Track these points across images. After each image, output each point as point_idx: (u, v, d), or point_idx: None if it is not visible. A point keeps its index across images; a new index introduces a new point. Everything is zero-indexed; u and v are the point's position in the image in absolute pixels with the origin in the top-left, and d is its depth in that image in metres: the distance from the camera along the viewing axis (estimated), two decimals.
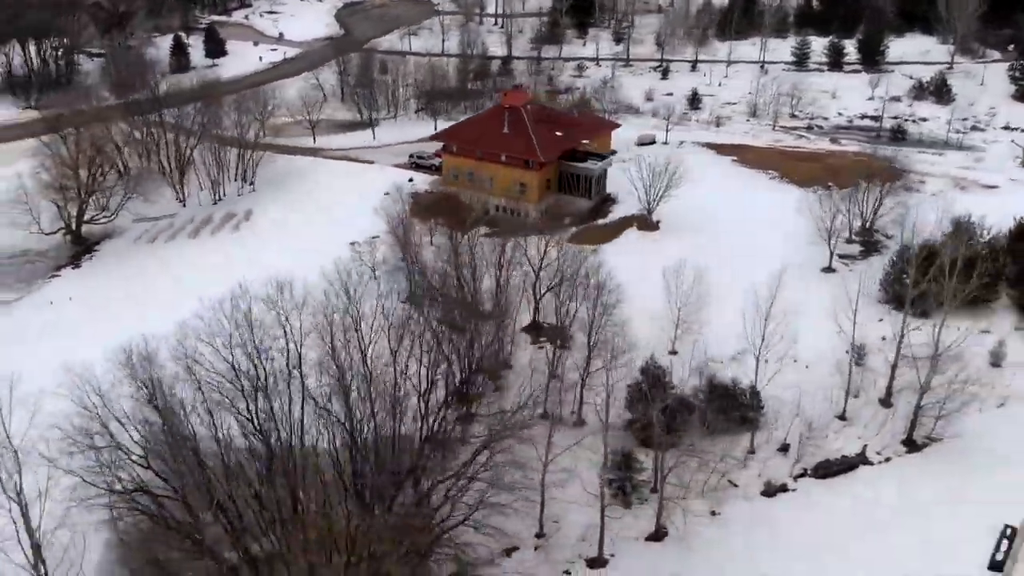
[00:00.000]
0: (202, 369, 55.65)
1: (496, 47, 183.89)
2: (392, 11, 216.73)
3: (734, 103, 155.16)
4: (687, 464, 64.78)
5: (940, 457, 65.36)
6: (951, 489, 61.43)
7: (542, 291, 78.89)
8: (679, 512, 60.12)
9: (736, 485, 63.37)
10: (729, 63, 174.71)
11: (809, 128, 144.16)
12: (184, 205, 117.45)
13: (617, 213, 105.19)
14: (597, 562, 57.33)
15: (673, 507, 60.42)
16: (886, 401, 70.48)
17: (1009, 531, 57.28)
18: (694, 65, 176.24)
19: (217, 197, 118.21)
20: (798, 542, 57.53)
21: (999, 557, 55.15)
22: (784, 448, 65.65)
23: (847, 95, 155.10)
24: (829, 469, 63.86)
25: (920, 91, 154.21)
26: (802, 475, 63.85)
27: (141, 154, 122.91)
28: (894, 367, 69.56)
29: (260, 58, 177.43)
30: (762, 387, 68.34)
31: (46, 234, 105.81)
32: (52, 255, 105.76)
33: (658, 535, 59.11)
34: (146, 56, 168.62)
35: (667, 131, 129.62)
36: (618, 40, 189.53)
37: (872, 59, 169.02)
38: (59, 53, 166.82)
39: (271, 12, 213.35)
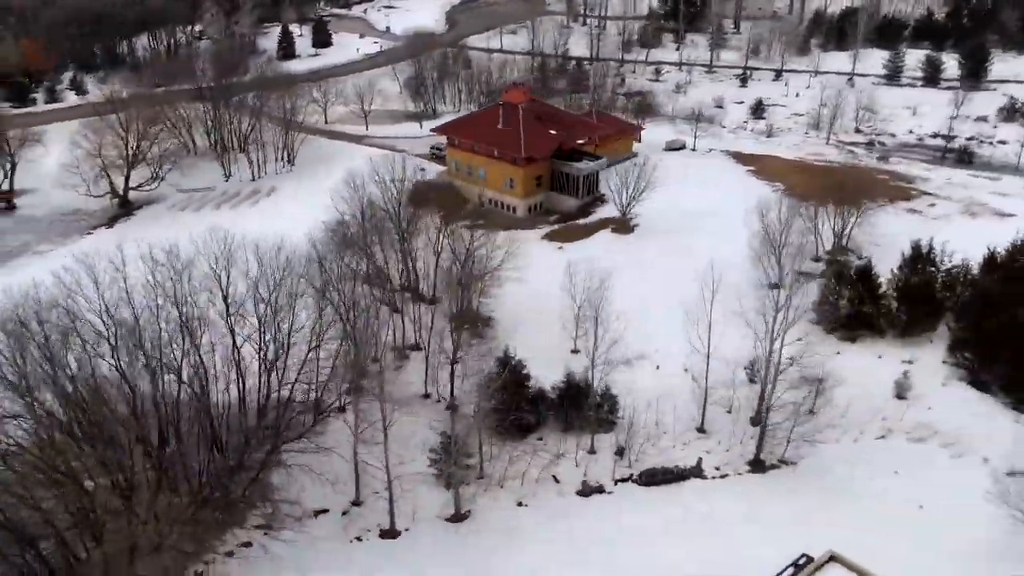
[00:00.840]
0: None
1: (585, 49, 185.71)
2: (502, 9, 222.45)
3: (801, 114, 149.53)
4: (523, 457, 66.47)
5: (780, 480, 63.13)
6: (771, 513, 59.44)
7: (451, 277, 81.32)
8: (488, 498, 61.73)
9: (558, 481, 63.85)
10: (816, 73, 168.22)
11: (869, 144, 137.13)
12: (227, 180, 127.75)
13: (602, 214, 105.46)
14: (388, 533, 59.94)
15: (484, 493, 62.08)
16: (756, 419, 68.36)
17: (803, 559, 54.98)
18: (778, 74, 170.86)
19: (257, 175, 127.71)
20: (581, 540, 57.68)
21: None
22: (620, 452, 65.32)
23: (928, 112, 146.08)
24: (654, 477, 62.98)
25: (1011, 112, 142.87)
26: (626, 480, 63.43)
27: (208, 131, 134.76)
28: (763, 387, 67.43)
29: (357, 49, 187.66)
30: (632, 391, 68.46)
31: (94, 197, 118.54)
32: (98, 215, 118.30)
33: (458, 516, 60.82)
34: (254, 43, 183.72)
35: (695, 137, 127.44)
36: (715, 46, 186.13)
37: (975, 76, 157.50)
38: (174, 40, 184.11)
39: (388, 7, 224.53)
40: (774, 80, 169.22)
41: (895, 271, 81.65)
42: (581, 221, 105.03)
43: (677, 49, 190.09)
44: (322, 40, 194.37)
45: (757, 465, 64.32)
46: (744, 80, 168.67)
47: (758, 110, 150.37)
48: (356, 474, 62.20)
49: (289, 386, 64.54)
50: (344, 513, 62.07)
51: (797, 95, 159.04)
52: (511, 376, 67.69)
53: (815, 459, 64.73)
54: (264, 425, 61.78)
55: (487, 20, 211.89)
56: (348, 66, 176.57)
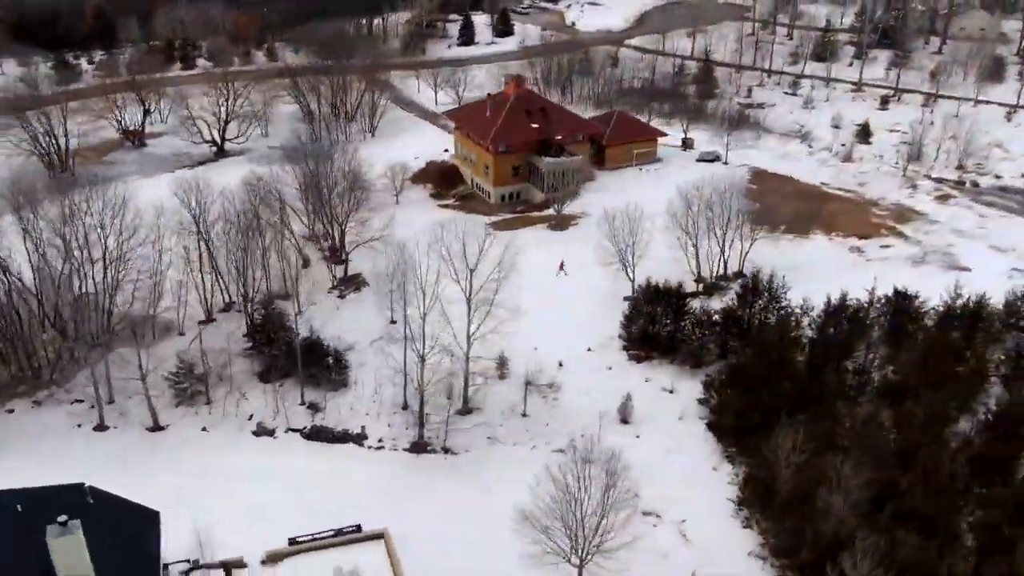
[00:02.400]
0: None
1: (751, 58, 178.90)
2: (701, 12, 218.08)
3: (910, 143, 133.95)
4: (252, 394, 73.68)
5: (429, 463, 64.81)
6: (389, 485, 62.00)
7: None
8: (193, 416, 70.42)
9: (249, 419, 70.17)
10: (977, 102, 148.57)
11: (959, 183, 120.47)
12: (312, 143, 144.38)
13: (568, 209, 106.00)
14: (99, 427, 70.57)
15: (195, 415, 70.76)
16: (464, 410, 69.57)
17: (351, 528, 57.58)
18: (930, 98, 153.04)
19: (338, 139, 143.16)
20: (203, 466, 64.22)
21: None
22: (314, 406, 70.23)
23: None
24: (319, 434, 67.58)
25: None
26: (297, 431, 68.41)
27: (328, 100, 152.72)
28: (466, 377, 68.82)
29: (522, 41, 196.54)
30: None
31: (195, 143, 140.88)
32: (194, 158, 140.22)
33: (156, 427, 69.76)
34: (444, 29, 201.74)
35: (727, 150, 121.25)
36: (896, 65, 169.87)
37: None
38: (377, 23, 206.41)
39: (593, 4, 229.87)
40: (923, 105, 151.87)
41: (731, 301, 76.69)
42: (535, 214, 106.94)
43: (850, 65, 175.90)
44: (503, 30, 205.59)
45: (417, 447, 66.16)
46: (885, 102, 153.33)
47: (864, 134, 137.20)
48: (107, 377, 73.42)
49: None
50: (93, 406, 73.25)
51: (932, 123, 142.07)
52: (270, 325, 75.23)
53: (481, 453, 65.46)
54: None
55: (678, 21, 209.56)
56: (498, 55, 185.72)
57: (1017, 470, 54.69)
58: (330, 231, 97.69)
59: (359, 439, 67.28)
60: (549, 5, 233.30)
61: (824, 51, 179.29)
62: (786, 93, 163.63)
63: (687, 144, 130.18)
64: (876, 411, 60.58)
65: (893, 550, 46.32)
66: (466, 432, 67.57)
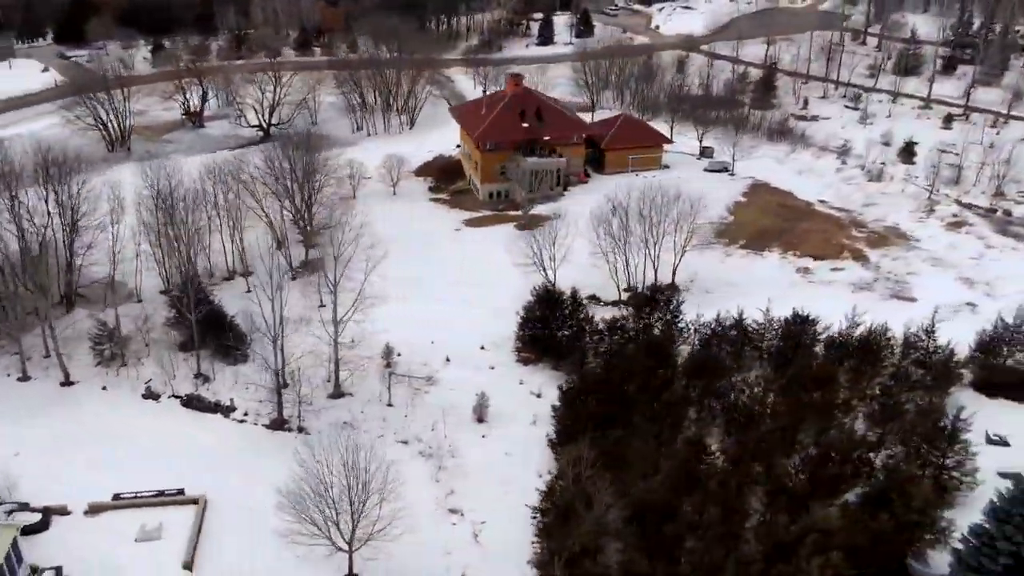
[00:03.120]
0: None
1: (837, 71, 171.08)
2: (794, 20, 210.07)
3: (959, 166, 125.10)
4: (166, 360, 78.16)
5: (279, 440, 67.19)
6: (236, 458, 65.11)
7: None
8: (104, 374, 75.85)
9: (147, 383, 74.65)
10: None
11: (990, 211, 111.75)
12: (352, 132, 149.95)
13: (542, 209, 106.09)
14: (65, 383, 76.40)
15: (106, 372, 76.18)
16: (335, 394, 71.63)
17: (174, 491, 60.88)
18: (999, 119, 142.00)
19: (375, 131, 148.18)
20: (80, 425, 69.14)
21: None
22: (202, 376, 74.06)
23: None
24: (191, 402, 71.42)
25: None
26: (179, 397, 72.42)
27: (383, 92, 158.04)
28: (336, 362, 70.91)
29: (583, 44, 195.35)
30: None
31: (242, 127, 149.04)
32: (239, 140, 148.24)
33: (67, 382, 75.41)
34: (527, 27, 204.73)
35: (733, 161, 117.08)
36: (976, 82, 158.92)
37: None
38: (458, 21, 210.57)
39: (686, 8, 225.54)
40: (991, 126, 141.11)
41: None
42: (512, 212, 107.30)
43: (931, 80, 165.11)
44: (583, 31, 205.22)
45: (275, 423, 68.74)
46: (949, 121, 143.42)
47: (908, 153, 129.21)
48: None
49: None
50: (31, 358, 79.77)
51: (991, 145, 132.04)
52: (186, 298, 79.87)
53: (331, 437, 67.02)
54: None
55: (761, 30, 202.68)
56: (558, 56, 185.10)
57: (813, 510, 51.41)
58: (303, 215, 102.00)
59: (227, 411, 70.47)
60: (641, 8, 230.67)
61: (905, 64, 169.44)
62: (847, 107, 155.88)
63: (705, 153, 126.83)
64: (699, 435, 58.20)
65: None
66: (327, 415, 69.56)
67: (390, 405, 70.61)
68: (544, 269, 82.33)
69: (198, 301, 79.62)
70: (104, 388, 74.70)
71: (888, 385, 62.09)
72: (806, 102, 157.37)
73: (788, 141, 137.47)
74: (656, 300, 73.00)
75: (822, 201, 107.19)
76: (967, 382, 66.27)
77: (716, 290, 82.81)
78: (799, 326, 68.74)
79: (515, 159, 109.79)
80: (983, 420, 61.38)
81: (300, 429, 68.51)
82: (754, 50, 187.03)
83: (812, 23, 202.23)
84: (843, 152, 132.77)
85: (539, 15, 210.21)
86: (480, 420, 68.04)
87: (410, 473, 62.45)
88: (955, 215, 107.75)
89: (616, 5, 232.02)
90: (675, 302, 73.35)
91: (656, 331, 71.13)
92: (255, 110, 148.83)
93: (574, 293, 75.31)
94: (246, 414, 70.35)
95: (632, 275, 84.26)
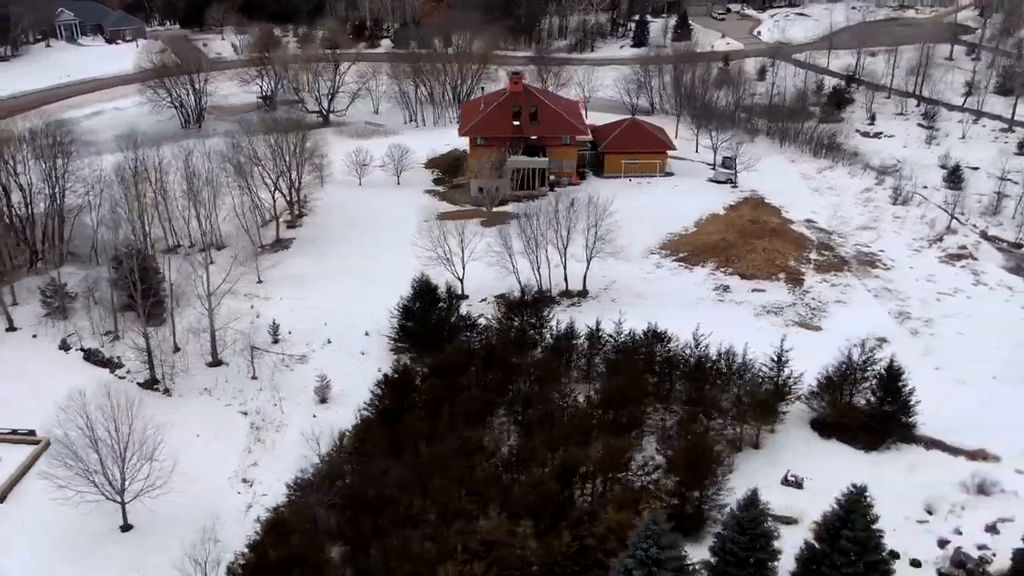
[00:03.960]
0: None
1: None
2: (914, 31, 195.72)
3: (1000, 192, 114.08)
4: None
5: (145, 396, 71.60)
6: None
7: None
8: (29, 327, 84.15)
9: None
10: None
11: (1016, 245, 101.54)
12: (404, 123, 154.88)
13: (508, 208, 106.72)
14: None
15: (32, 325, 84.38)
16: (213, 362, 76.08)
17: (22, 430, 67.25)
18: None
19: (425, 123, 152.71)
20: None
21: None
22: (111, 334, 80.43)
23: None
24: (90, 357, 77.93)
25: None
26: (83, 351, 79.05)
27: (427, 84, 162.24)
28: (212, 333, 75.17)
29: (660, 46, 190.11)
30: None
31: (304, 112, 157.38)
32: (302, 125, 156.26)
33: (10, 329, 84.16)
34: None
35: (736, 173, 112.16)
36: None
37: None
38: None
39: (801, 15, 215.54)
40: None
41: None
42: (484, 208, 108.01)
43: (1014, 101, 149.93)
44: (681, 33, 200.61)
45: (147, 383, 74.09)
46: (1023, 147, 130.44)
47: (954, 179, 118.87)
48: None
49: None
50: None
51: None
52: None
53: (188, 399, 72.11)
54: None
55: (871, 40, 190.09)
56: (630, 59, 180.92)
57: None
58: (293, 195, 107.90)
59: (114, 367, 76.57)
60: (753, 12, 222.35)
61: (1011, 83, 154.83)
62: (919, 125, 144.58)
63: (725, 163, 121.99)
64: (477, 435, 57.96)
65: None
66: (196, 380, 74.10)
67: (254, 378, 74.25)
68: (452, 265, 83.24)
69: (140, 268, 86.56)
70: (35, 336, 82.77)
71: (695, 410, 59.14)
72: (873, 117, 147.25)
73: (832, 156, 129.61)
74: (524, 304, 72.41)
75: (809, 220, 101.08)
76: (808, 419, 61.97)
77: (622, 300, 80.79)
78: (650, 341, 66.45)
79: (503, 157, 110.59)
80: (804, 460, 57.91)
81: (165, 390, 73.53)
82: (852, 60, 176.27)
83: (930, 35, 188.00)
84: (886, 172, 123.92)
85: (636, 17, 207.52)
86: (323, 400, 70.38)
87: (233, 441, 66.37)
88: (963, 247, 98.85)
89: (728, 9, 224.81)
90: (547, 309, 72.47)
91: (512, 333, 70.68)
92: (314, 97, 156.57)
93: (449, 289, 75.99)
94: (128, 371, 76.13)
95: (544, 279, 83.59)
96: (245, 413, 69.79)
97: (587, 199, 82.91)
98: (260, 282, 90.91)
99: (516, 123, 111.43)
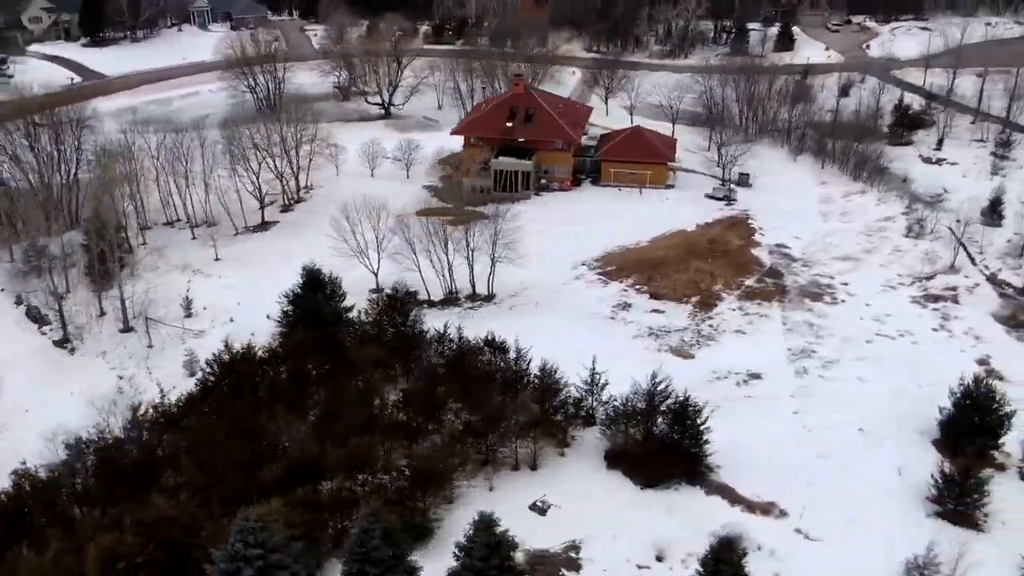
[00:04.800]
0: None
1: None
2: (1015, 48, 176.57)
3: None
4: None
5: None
6: None
7: None
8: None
9: None
10: None
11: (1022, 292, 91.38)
12: (459, 119, 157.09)
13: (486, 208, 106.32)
14: None
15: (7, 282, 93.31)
16: (124, 329, 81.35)
17: None
18: None
19: None
20: None
21: None
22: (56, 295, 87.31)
23: None
24: (28, 314, 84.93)
25: None
26: (28, 307, 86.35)
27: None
28: (122, 300, 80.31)
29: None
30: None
31: (369, 104, 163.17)
32: (363, 115, 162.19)
33: None
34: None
35: (732, 193, 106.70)
36: None
37: None
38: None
39: (924, 28, 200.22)
40: None
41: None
42: (473, 208, 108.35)
43: None
44: (784, 44, 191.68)
45: (59, 341, 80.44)
46: None
47: (994, 212, 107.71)
48: None
49: None
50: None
51: None
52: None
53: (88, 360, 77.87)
54: None
55: (980, 60, 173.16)
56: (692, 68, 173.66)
57: None
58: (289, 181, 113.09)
59: (42, 324, 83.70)
60: (872, 25, 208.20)
61: None
62: (992, 153, 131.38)
63: (742, 181, 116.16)
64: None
65: None
66: (102, 343, 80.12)
67: (150, 347, 79.01)
68: (368, 259, 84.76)
69: (97, 236, 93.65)
70: (2, 290, 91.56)
71: (476, 423, 57.89)
72: (940, 142, 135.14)
73: (872, 180, 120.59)
74: (395, 303, 73.01)
75: (780, 245, 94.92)
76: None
77: (519, 307, 79.71)
78: (492, 351, 65.59)
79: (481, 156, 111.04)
80: (570, 488, 55.82)
81: (72, 350, 79.60)
82: (960, 80, 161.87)
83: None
84: (928, 201, 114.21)
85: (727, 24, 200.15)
86: (192, 375, 73.87)
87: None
88: (951, 288, 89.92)
89: (848, 20, 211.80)
90: (415, 312, 72.76)
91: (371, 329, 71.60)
92: (377, 90, 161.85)
93: (332, 280, 77.43)
94: (51, 329, 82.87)
95: (453, 281, 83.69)
96: (122, 377, 74.45)
97: (495, 209, 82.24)
98: (218, 260, 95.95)
99: (509, 124, 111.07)
